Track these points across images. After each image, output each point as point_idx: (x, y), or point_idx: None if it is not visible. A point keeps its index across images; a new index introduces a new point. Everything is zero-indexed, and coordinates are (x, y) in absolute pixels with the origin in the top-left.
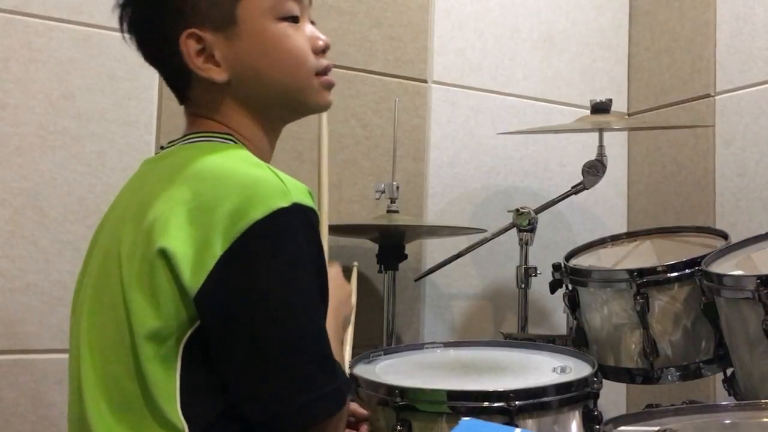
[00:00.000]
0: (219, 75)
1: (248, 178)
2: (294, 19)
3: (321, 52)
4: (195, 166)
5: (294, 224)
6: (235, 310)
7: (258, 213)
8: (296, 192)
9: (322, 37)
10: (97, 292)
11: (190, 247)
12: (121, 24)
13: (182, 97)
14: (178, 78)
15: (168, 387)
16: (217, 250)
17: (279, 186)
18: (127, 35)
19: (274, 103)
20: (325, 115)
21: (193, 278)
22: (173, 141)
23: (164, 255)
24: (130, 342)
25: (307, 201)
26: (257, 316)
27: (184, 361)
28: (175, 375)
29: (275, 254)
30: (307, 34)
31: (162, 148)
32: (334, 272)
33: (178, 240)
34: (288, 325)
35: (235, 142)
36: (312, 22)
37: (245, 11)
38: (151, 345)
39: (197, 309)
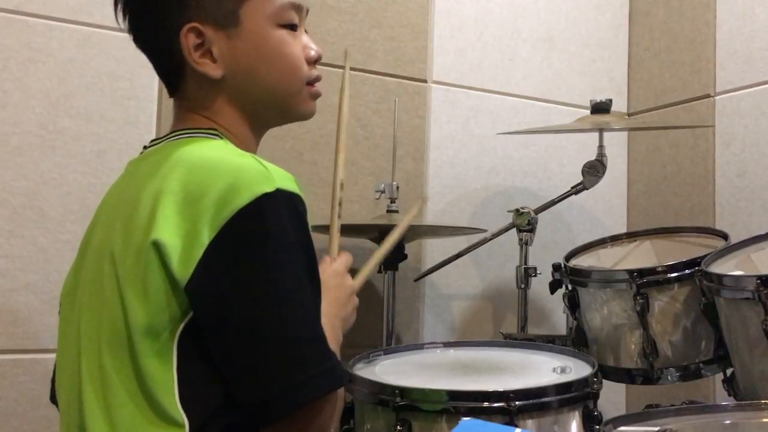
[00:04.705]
0: (214, 71)
1: (232, 166)
2: (293, 28)
3: (313, 62)
4: (180, 159)
5: (278, 208)
6: (224, 297)
7: (242, 200)
8: (280, 178)
9: (315, 47)
10: (93, 292)
11: (179, 237)
12: (116, 6)
13: (173, 89)
14: (171, 69)
15: (166, 381)
16: (205, 238)
17: (262, 172)
18: (120, 17)
19: (263, 105)
20: (346, 101)
21: (183, 268)
22: (156, 139)
23: (156, 247)
24: (127, 339)
25: (291, 187)
26: (246, 302)
27: (179, 354)
28: (172, 369)
29: (261, 239)
30: (302, 43)
31: (145, 147)
32: (338, 268)
33: (167, 231)
34: (277, 308)
35: (220, 137)
36: (305, 31)
37: (248, 13)
38: (146, 341)
39: (189, 299)
